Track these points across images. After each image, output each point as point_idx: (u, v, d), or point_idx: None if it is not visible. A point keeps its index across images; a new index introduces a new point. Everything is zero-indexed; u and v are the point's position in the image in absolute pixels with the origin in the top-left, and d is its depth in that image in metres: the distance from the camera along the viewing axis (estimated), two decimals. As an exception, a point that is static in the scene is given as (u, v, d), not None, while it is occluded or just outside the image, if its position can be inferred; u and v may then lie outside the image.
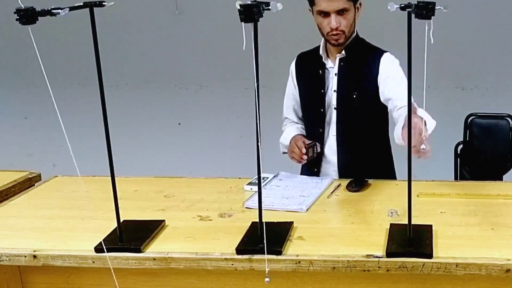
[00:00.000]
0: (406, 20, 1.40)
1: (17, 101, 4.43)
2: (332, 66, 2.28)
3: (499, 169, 2.95)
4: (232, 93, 4.12)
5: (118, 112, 3.44)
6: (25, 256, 1.65)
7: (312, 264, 1.55)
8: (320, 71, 2.29)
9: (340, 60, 2.25)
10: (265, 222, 1.57)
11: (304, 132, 2.40)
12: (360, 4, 2.19)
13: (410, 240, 1.56)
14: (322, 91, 2.29)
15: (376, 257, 1.54)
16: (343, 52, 2.23)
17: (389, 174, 2.38)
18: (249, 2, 1.36)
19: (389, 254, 1.54)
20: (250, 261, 1.57)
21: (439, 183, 2.14)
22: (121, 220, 1.68)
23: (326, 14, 2.13)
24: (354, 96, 2.23)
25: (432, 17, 1.35)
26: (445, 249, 1.56)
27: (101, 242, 1.66)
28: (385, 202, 1.94)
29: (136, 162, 3.87)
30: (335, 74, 2.26)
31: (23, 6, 1.37)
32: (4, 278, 1.81)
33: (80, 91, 4.24)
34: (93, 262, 1.63)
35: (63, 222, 1.87)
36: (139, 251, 1.62)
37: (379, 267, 1.53)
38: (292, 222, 1.76)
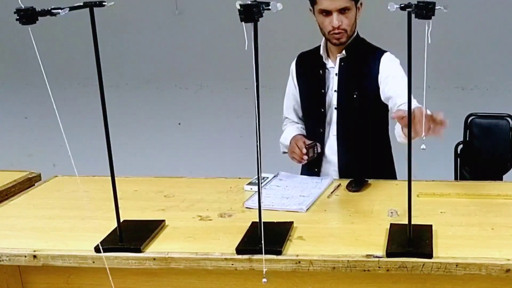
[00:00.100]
0: (406, 20, 1.40)
1: (17, 101, 4.43)
2: (332, 66, 2.28)
3: (499, 169, 2.95)
4: (232, 93, 4.12)
5: (118, 112, 3.44)
6: (25, 256, 1.65)
7: (312, 264, 1.55)
8: (321, 71, 2.29)
9: (341, 60, 2.25)
10: (265, 222, 1.57)
11: (304, 132, 2.40)
12: (361, 4, 2.19)
13: (410, 240, 1.56)
14: (323, 91, 2.29)
15: (376, 257, 1.54)
16: (344, 52, 2.23)
17: (390, 174, 2.38)
18: (249, 2, 1.36)
19: (389, 254, 1.54)
20: (250, 261, 1.57)
21: (439, 183, 2.14)
22: (121, 220, 1.68)
23: (327, 13, 2.13)
24: (355, 96, 2.23)
25: (432, 17, 1.35)
26: (445, 249, 1.56)
27: (101, 242, 1.66)
28: (385, 202, 1.94)
29: (136, 162, 3.87)
30: (336, 74, 2.26)
31: (23, 6, 1.37)
32: (4, 278, 1.81)
33: (80, 91, 4.24)
34: (93, 262, 1.63)
35: (63, 222, 1.87)
36: (139, 251, 1.62)
37: (379, 267, 1.53)
38: (292, 222, 1.76)
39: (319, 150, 2.29)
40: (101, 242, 1.66)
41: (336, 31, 2.14)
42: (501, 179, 2.90)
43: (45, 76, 1.42)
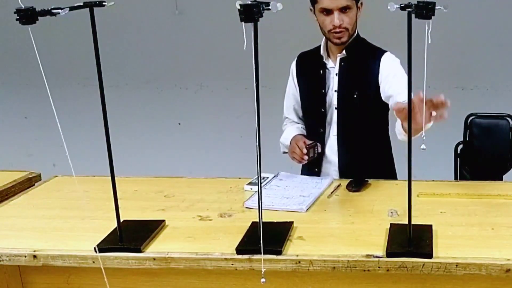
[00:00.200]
0: (406, 20, 1.40)
1: (17, 101, 4.43)
2: (333, 66, 2.28)
3: (499, 169, 2.95)
4: (232, 93, 4.12)
5: (118, 112, 3.44)
6: (25, 256, 1.65)
7: (312, 264, 1.55)
8: (321, 71, 2.29)
9: (341, 60, 2.25)
10: (265, 222, 1.57)
11: (304, 132, 2.40)
12: (361, 3, 2.19)
13: (410, 240, 1.56)
14: (323, 91, 2.29)
15: (376, 257, 1.54)
16: (344, 52, 2.23)
17: (390, 173, 2.38)
18: (249, 2, 1.36)
19: (389, 254, 1.54)
20: (250, 261, 1.57)
21: (439, 183, 2.14)
22: (121, 220, 1.68)
23: (328, 12, 2.13)
24: (355, 96, 2.23)
25: (432, 17, 1.35)
26: (445, 249, 1.56)
27: (101, 242, 1.66)
28: (385, 202, 1.94)
29: (136, 162, 3.87)
30: (336, 74, 2.26)
31: (23, 6, 1.37)
32: (4, 278, 1.81)
33: (80, 91, 4.24)
34: (93, 262, 1.63)
35: (63, 222, 1.87)
36: (139, 251, 1.62)
37: (379, 267, 1.53)
38: (292, 222, 1.76)
39: (320, 150, 2.29)
40: (101, 242, 1.66)
41: (337, 30, 2.14)
42: (501, 179, 2.90)
43: (44, 76, 1.42)
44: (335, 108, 2.28)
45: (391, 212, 1.84)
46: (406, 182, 1.54)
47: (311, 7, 2.21)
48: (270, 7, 1.38)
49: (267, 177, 2.22)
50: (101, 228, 1.76)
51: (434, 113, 1.59)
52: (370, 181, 2.14)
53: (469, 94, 3.84)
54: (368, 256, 1.54)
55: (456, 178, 3.04)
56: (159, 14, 4.10)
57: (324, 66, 2.29)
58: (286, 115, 2.49)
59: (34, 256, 1.64)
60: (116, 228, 1.68)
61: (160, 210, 1.96)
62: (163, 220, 1.81)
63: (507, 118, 2.93)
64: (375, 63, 2.21)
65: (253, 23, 1.37)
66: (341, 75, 2.26)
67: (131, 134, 4.21)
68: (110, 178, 1.63)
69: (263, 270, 1.52)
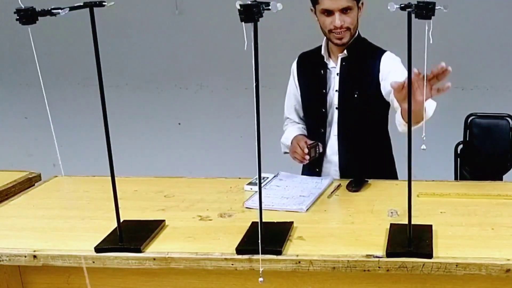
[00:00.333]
0: (406, 20, 1.40)
1: (17, 101, 4.43)
2: (334, 66, 2.28)
3: (499, 169, 2.94)
4: (232, 93, 4.12)
5: (118, 112, 3.45)
6: (25, 256, 1.65)
7: (312, 264, 1.55)
8: (322, 71, 2.29)
9: (342, 59, 2.25)
10: (265, 222, 1.57)
11: (305, 132, 2.40)
12: (362, 3, 2.19)
13: (410, 240, 1.56)
14: (324, 91, 2.29)
15: (376, 257, 1.54)
16: (345, 51, 2.24)
17: (391, 173, 2.38)
18: (249, 2, 1.36)
19: (389, 254, 1.54)
20: (250, 261, 1.57)
21: (439, 183, 2.14)
22: (121, 220, 1.68)
23: (329, 13, 2.13)
24: (356, 95, 2.23)
25: (432, 17, 1.35)
26: (445, 249, 1.56)
27: (101, 242, 1.66)
28: (385, 202, 1.94)
29: (136, 162, 3.87)
30: (337, 74, 2.27)
31: (23, 6, 1.37)
32: (4, 278, 1.81)
33: (80, 91, 4.24)
34: (93, 262, 1.63)
35: (63, 222, 1.87)
36: (139, 251, 1.62)
37: (379, 267, 1.53)
38: (292, 222, 1.76)
39: (321, 150, 2.29)
40: (101, 242, 1.66)
41: (338, 30, 2.14)
42: (501, 179, 2.90)
43: (40, 76, 1.42)
44: (336, 108, 2.28)
45: (391, 212, 1.84)
46: (406, 182, 1.54)
47: (312, 7, 2.21)
48: (270, 7, 1.39)
49: (267, 177, 2.22)
50: (101, 228, 1.76)
51: (435, 87, 1.58)
52: (370, 181, 2.15)
53: (469, 94, 3.84)
54: (368, 256, 1.54)
55: (456, 178, 3.04)
56: (159, 14, 4.10)
57: (325, 66, 2.29)
58: (287, 115, 2.49)
59: (34, 256, 1.64)
60: (116, 228, 1.68)
61: (160, 210, 1.96)
62: (163, 220, 1.81)
63: (507, 118, 2.93)
64: (376, 63, 2.21)
65: (253, 23, 1.37)
66: (342, 74, 2.26)
67: (131, 134, 4.21)
68: (110, 178, 1.63)
69: (261, 269, 1.52)
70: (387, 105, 2.22)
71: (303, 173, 2.42)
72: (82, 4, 1.49)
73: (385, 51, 2.25)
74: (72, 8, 1.44)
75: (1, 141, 4.50)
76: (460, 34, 3.75)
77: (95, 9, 1.50)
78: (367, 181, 2.14)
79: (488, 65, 3.83)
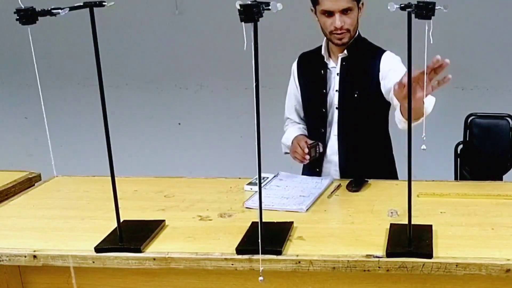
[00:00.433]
0: (406, 20, 1.40)
1: (17, 101, 4.44)
2: (334, 66, 2.28)
3: (499, 169, 2.94)
4: (232, 93, 4.12)
5: (118, 112, 3.45)
6: (25, 256, 1.65)
7: (312, 264, 1.55)
8: (322, 71, 2.29)
9: (342, 59, 2.25)
10: (265, 222, 1.57)
11: (306, 132, 2.41)
12: (362, 4, 2.19)
13: (410, 240, 1.56)
14: (324, 91, 2.29)
15: (376, 257, 1.54)
16: (345, 51, 2.24)
17: (391, 173, 2.38)
18: (249, 2, 1.36)
19: (389, 254, 1.54)
20: (250, 261, 1.57)
21: (439, 183, 2.14)
22: (121, 220, 1.68)
23: (330, 14, 2.13)
24: (356, 95, 2.23)
25: (432, 17, 1.35)
26: (445, 249, 1.56)
27: (101, 242, 1.66)
28: (385, 202, 1.94)
29: (136, 162, 3.87)
30: (337, 74, 2.27)
31: (23, 6, 1.37)
32: (4, 278, 1.81)
33: (80, 91, 4.24)
34: (93, 262, 1.63)
35: (63, 222, 1.87)
36: (139, 251, 1.62)
37: (379, 267, 1.53)
38: (292, 222, 1.76)
39: (321, 150, 2.29)
40: (101, 242, 1.66)
41: (339, 31, 2.14)
42: (501, 179, 2.90)
43: (37, 76, 1.43)
44: (336, 108, 2.28)
45: (391, 212, 1.84)
46: (406, 182, 1.54)
47: (312, 8, 2.21)
48: (270, 7, 1.39)
49: (267, 177, 2.22)
50: (101, 228, 1.76)
51: (434, 82, 1.58)
52: (370, 181, 2.15)
53: (469, 94, 3.84)
54: (368, 256, 1.54)
55: (456, 178, 3.04)
56: (159, 14, 4.10)
57: (325, 66, 2.29)
58: (288, 115, 2.49)
59: (34, 256, 1.64)
60: (116, 228, 1.68)
61: (160, 210, 1.96)
62: (163, 220, 1.81)
63: (507, 118, 2.93)
64: (376, 62, 2.21)
65: (253, 23, 1.37)
66: (342, 74, 2.26)
67: (131, 134, 4.21)
68: (110, 178, 1.63)
69: (261, 268, 1.52)
70: (387, 105, 2.22)
71: (303, 173, 2.42)
72: (82, 4, 1.49)
73: (385, 50, 2.25)
74: (72, 8, 1.44)
75: (1, 141, 4.50)
76: (460, 34, 3.75)
77: (95, 9, 1.50)
78: (367, 181, 2.14)
79: (488, 65, 3.83)
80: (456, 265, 1.50)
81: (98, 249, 1.63)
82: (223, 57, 4.00)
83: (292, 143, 2.33)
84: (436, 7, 1.35)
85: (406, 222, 1.57)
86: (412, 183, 1.54)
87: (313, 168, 2.36)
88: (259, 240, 1.51)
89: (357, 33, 2.25)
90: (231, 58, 3.76)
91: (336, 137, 2.31)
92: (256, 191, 1.99)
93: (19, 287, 1.84)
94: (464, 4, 3.56)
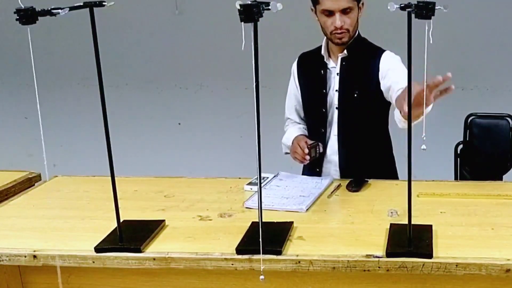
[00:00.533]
0: (406, 20, 1.40)
1: (17, 101, 4.44)
2: (334, 66, 2.28)
3: (499, 169, 2.94)
4: (232, 93, 4.12)
5: (118, 112, 3.45)
6: (25, 256, 1.65)
7: (312, 264, 1.55)
8: (322, 71, 2.29)
9: (342, 59, 2.25)
10: (265, 222, 1.57)
11: (306, 133, 2.41)
12: (362, 3, 2.19)
13: (410, 240, 1.56)
14: (324, 91, 2.29)
15: (376, 257, 1.54)
16: (345, 51, 2.24)
17: (391, 173, 2.38)
18: (249, 2, 1.36)
19: (389, 254, 1.54)
20: (250, 261, 1.57)
21: (439, 183, 2.14)
22: (121, 220, 1.68)
23: (330, 13, 2.13)
24: (356, 95, 2.23)
25: (432, 17, 1.35)
26: (445, 249, 1.56)
27: (101, 242, 1.66)
28: (385, 202, 1.94)
29: (136, 162, 3.87)
30: (337, 74, 2.27)
31: (23, 6, 1.37)
32: (4, 278, 1.81)
33: (80, 91, 4.23)
34: (93, 262, 1.63)
35: (63, 222, 1.87)
36: (139, 251, 1.62)
37: (379, 267, 1.53)
38: (292, 222, 1.76)
39: (321, 150, 2.29)
40: (101, 242, 1.66)
41: (339, 31, 2.15)
42: (501, 179, 2.90)
43: (35, 76, 1.43)
44: (336, 108, 2.29)
45: (391, 212, 1.84)
46: (406, 182, 1.54)
47: (312, 7, 2.21)
48: (270, 7, 1.39)
49: (267, 177, 2.22)
50: (101, 228, 1.76)
51: (437, 91, 1.59)
52: (370, 181, 2.15)
53: (469, 94, 3.84)
54: (368, 256, 1.54)
55: (456, 178, 3.04)
56: (159, 14, 4.10)
57: (325, 66, 2.29)
58: (288, 115, 2.49)
59: (34, 256, 1.64)
60: (116, 228, 1.68)
61: (160, 210, 1.96)
62: (163, 220, 1.81)
63: (507, 118, 2.93)
64: (376, 62, 2.21)
65: (253, 23, 1.37)
66: (342, 74, 2.26)
67: (131, 134, 4.21)
68: (110, 178, 1.63)
69: (262, 267, 1.52)
70: (387, 104, 2.22)
71: (303, 173, 2.42)
72: (82, 4, 1.49)
73: (384, 50, 2.25)
74: (72, 8, 1.44)
75: (1, 141, 4.50)
76: (460, 34, 3.75)
77: (95, 9, 1.50)
78: (367, 181, 2.14)
79: (488, 65, 3.83)
80: (456, 265, 1.50)
81: (98, 249, 1.63)
82: (223, 57, 4.00)
83: (292, 143, 2.33)
84: (436, 7, 1.35)
85: (406, 222, 1.57)
86: (412, 183, 1.54)
87: (313, 168, 2.36)
88: (260, 240, 1.51)
89: (357, 33, 2.25)
90: (231, 58, 3.76)
91: (336, 137, 2.31)
92: (256, 191, 1.99)
93: (19, 287, 1.84)
94: (464, 4, 3.56)
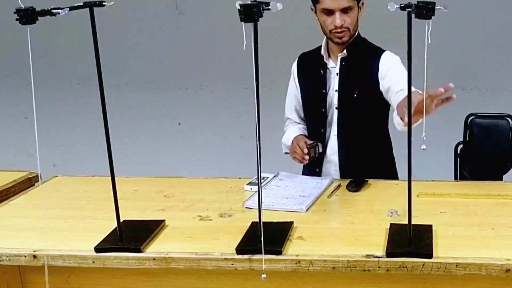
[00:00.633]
0: (406, 20, 1.40)
1: (17, 101, 4.43)
2: (333, 66, 2.28)
3: (499, 169, 2.94)
4: (232, 93, 4.12)
5: (118, 112, 3.44)
6: (25, 256, 1.65)
7: (312, 264, 1.55)
8: (322, 71, 2.29)
9: (342, 59, 2.25)
10: (265, 222, 1.57)
11: (306, 133, 2.41)
12: (362, 3, 2.20)
13: (410, 240, 1.56)
14: (324, 91, 2.29)
15: (376, 257, 1.54)
16: (345, 51, 2.24)
17: (391, 173, 2.38)
18: (249, 2, 1.36)
19: (389, 254, 1.54)
20: (250, 261, 1.57)
21: (439, 183, 2.14)
22: (121, 220, 1.68)
23: (330, 12, 2.13)
24: (355, 95, 2.23)
25: (432, 17, 1.35)
26: (445, 249, 1.56)
27: (101, 242, 1.66)
28: (385, 202, 1.94)
29: (136, 162, 3.87)
30: (337, 74, 2.27)
31: (23, 6, 1.37)
32: (4, 278, 1.81)
33: (80, 91, 4.23)
34: (93, 262, 1.63)
35: (63, 222, 1.87)
36: (139, 251, 1.62)
37: (379, 267, 1.53)
38: (292, 222, 1.76)
39: (321, 150, 2.29)
40: (101, 242, 1.66)
41: (339, 30, 2.15)
42: (501, 179, 2.90)
43: (32, 76, 1.43)
44: (336, 108, 2.29)
45: (391, 212, 1.84)
46: (406, 182, 1.54)
47: (312, 7, 2.21)
48: (270, 7, 1.39)
49: (267, 177, 2.22)
50: (101, 228, 1.76)
51: (438, 100, 1.59)
52: (370, 181, 2.15)
53: (469, 94, 3.83)
54: (368, 256, 1.54)
55: (456, 178, 3.04)
56: (159, 14, 4.10)
57: (325, 66, 2.29)
58: (288, 115, 2.49)
59: (34, 256, 1.64)
60: (116, 228, 1.68)
61: (160, 210, 1.96)
62: (163, 220, 1.81)
63: (507, 118, 2.93)
64: (375, 62, 2.21)
65: (253, 23, 1.37)
66: (341, 74, 2.26)
67: (131, 134, 4.21)
68: (110, 178, 1.63)
69: (263, 266, 1.52)
70: (387, 105, 2.22)
71: (303, 173, 2.42)
72: (82, 4, 1.49)
73: (384, 50, 2.25)
74: (72, 8, 1.44)
75: (1, 141, 4.50)
76: (460, 34, 3.75)
77: (95, 9, 1.50)
78: (367, 181, 2.14)
79: (488, 65, 3.83)
80: (456, 265, 1.50)
81: (98, 249, 1.63)
82: (223, 57, 4.00)
83: (292, 143, 2.33)
84: (436, 7, 1.35)
85: (406, 222, 1.57)
86: (412, 183, 1.54)
87: (313, 168, 2.36)
88: (262, 239, 1.50)
89: (356, 33, 2.25)
90: (231, 58, 3.77)
91: (336, 137, 2.31)
92: (256, 191, 1.99)
93: (19, 287, 1.84)
94: (464, 4, 3.56)
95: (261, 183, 1.59)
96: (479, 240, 1.63)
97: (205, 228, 1.78)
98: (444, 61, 3.56)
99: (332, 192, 2.07)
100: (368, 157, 2.31)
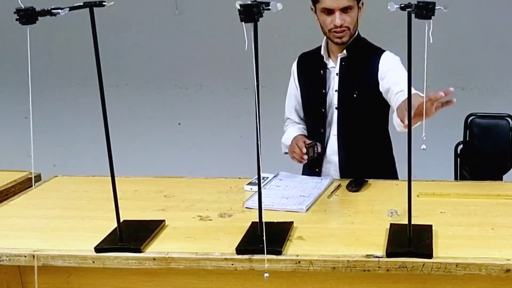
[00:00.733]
0: (406, 20, 1.40)
1: (17, 101, 4.43)
2: (333, 66, 2.28)
3: (499, 169, 2.94)
4: (232, 93, 4.12)
5: (118, 112, 3.44)
6: (25, 256, 1.65)
7: (312, 264, 1.55)
8: (322, 71, 2.30)
9: (342, 59, 2.25)
10: (265, 222, 1.57)
11: (306, 133, 2.41)
12: (362, 3, 2.20)
13: (410, 240, 1.56)
14: (324, 91, 2.29)
15: (376, 257, 1.54)
16: (345, 51, 2.24)
17: (391, 173, 2.38)
18: (249, 2, 1.36)
19: (389, 254, 1.54)
20: (250, 261, 1.57)
21: (439, 183, 2.14)
22: (121, 220, 1.68)
23: (330, 12, 2.14)
24: (355, 95, 2.23)
25: (432, 17, 1.35)
26: (445, 249, 1.56)
27: (101, 242, 1.66)
28: (385, 202, 1.94)
29: (136, 162, 3.88)
30: (337, 74, 2.27)
31: (23, 6, 1.37)
32: (4, 278, 1.81)
33: (80, 91, 4.23)
34: (93, 262, 1.63)
35: (63, 222, 1.87)
36: (139, 251, 1.62)
37: (379, 267, 1.53)
38: (292, 222, 1.76)
39: (320, 149, 2.29)
40: (101, 242, 1.66)
41: (338, 29, 2.15)
42: (501, 179, 2.90)
43: (29, 76, 1.43)
44: (335, 108, 2.29)
45: (391, 212, 1.84)
46: (406, 182, 1.54)
47: (312, 6, 2.21)
48: (270, 7, 1.39)
49: (267, 177, 2.22)
50: (101, 228, 1.76)
51: (438, 103, 1.59)
52: (370, 181, 2.15)
53: (469, 94, 3.83)
54: (368, 256, 1.54)
55: (456, 178, 3.04)
56: (159, 14, 4.10)
57: (324, 66, 2.29)
58: (288, 115, 2.49)
59: (34, 256, 1.64)
60: (116, 228, 1.68)
61: (160, 210, 1.96)
62: (163, 220, 1.81)
63: (507, 118, 2.93)
64: (375, 62, 2.21)
65: (253, 23, 1.37)
66: (341, 74, 2.26)
67: (131, 134, 4.21)
68: (110, 178, 1.63)
69: (266, 266, 1.52)
70: (387, 105, 2.22)
71: (303, 173, 2.42)
72: (82, 4, 1.49)
73: (384, 50, 2.25)
74: (72, 8, 1.44)
75: (1, 141, 4.50)
76: (460, 34, 3.75)
77: (95, 9, 1.50)
78: (367, 181, 2.14)
79: (488, 65, 3.83)
80: (456, 265, 1.50)
81: (98, 249, 1.63)
82: (223, 57, 4.00)
83: (291, 143, 2.33)
84: (436, 7, 1.35)
85: (406, 222, 1.57)
86: (412, 183, 1.54)
87: (313, 168, 2.36)
88: (264, 238, 1.50)
89: (356, 33, 2.25)
90: (231, 58, 3.77)
91: (336, 137, 2.31)
92: (256, 191, 1.99)
93: (19, 287, 1.84)
94: (464, 4, 3.56)
95: (261, 183, 1.59)
96: (479, 240, 1.63)
97: (205, 228, 1.79)
98: (444, 61, 3.56)
99: (332, 192, 2.07)
100: (368, 157, 2.31)
